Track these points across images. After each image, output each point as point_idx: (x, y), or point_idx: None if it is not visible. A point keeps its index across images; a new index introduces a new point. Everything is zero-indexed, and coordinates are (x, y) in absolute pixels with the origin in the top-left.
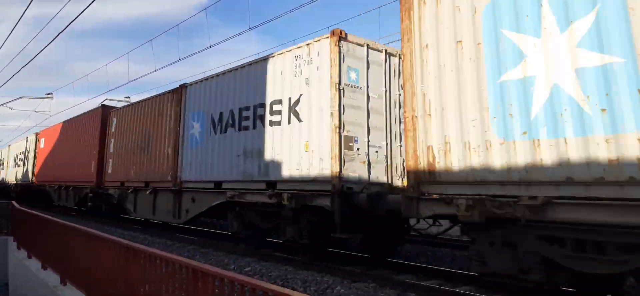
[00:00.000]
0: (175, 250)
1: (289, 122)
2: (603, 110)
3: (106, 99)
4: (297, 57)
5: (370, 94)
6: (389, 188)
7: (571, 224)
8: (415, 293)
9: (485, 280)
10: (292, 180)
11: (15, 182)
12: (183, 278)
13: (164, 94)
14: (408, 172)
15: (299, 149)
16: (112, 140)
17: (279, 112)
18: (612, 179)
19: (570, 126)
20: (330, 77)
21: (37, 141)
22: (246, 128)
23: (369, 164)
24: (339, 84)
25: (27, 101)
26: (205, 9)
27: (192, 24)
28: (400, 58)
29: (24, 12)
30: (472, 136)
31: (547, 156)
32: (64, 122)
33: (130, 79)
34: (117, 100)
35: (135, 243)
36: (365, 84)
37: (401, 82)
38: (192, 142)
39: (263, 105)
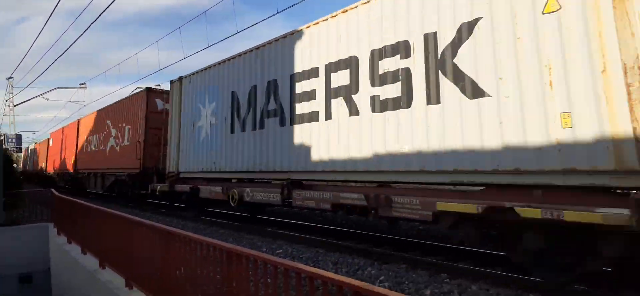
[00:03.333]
0: (209, 233)
1: None
2: None
3: (137, 87)
4: None
5: None
6: None
7: None
8: (448, 274)
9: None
10: None
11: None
12: (217, 260)
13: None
14: None
15: None
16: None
17: None
18: None
19: None
20: None
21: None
22: None
23: None
24: None
25: (62, 92)
26: None
27: (220, 11)
28: None
29: (57, 4)
30: None
31: None
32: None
33: (161, 67)
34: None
35: (170, 227)
36: None
37: None
38: None
39: None
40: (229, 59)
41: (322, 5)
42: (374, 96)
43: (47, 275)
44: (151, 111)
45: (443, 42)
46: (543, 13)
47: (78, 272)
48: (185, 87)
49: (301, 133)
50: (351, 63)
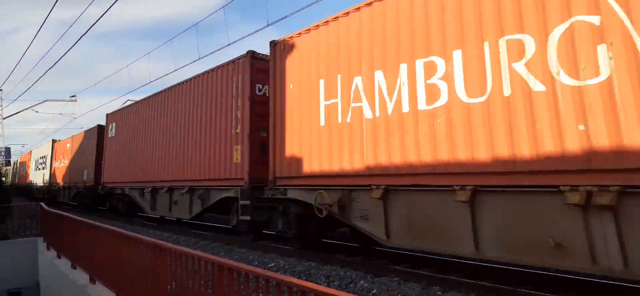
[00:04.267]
0: (200, 247)
1: None
2: None
3: (128, 99)
4: None
5: None
6: None
7: None
8: (440, 287)
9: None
10: None
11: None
12: (209, 273)
13: None
14: None
15: None
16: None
17: None
18: None
19: None
20: None
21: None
22: None
23: None
24: None
25: (52, 104)
26: (224, 6)
27: (211, 22)
28: None
29: (47, 15)
30: None
31: None
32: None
33: (152, 79)
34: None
35: (161, 240)
36: None
37: None
38: None
39: None
40: None
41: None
42: None
43: (36, 290)
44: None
45: None
46: None
47: (68, 287)
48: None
49: None
50: None
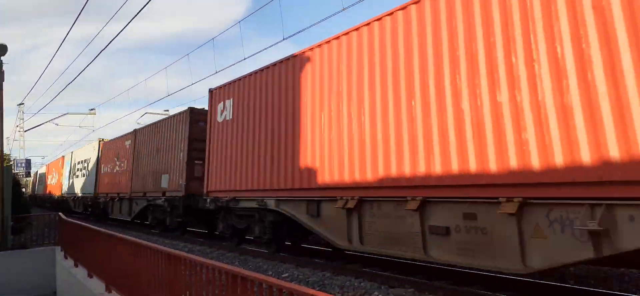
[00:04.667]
0: (215, 256)
1: None
2: None
3: (146, 112)
4: None
5: None
6: None
7: None
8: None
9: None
10: None
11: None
12: (223, 283)
13: None
14: None
15: None
16: None
17: None
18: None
19: None
20: None
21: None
22: None
23: None
24: None
25: (72, 117)
26: (239, 22)
27: (228, 37)
28: None
29: (68, 32)
30: None
31: None
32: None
33: (169, 92)
34: (157, 113)
35: (176, 250)
36: None
37: None
38: None
39: None
40: None
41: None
42: None
43: None
44: None
45: None
46: None
47: (84, 295)
48: None
49: None
50: None
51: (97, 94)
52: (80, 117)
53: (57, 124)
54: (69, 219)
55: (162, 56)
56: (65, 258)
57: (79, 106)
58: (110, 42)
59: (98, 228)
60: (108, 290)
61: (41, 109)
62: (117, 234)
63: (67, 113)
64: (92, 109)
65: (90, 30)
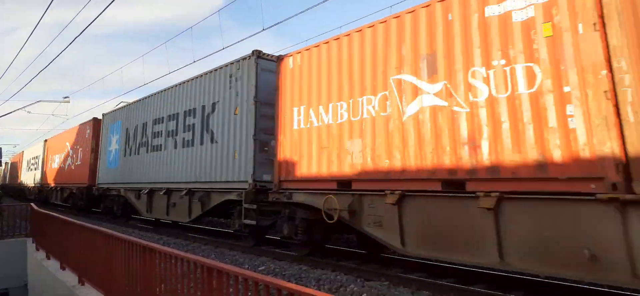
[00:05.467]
0: (191, 249)
1: None
2: None
3: (121, 101)
4: None
5: None
6: None
7: None
8: (430, 292)
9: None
10: None
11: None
12: (198, 276)
13: None
14: None
15: None
16: None
17: None
18: None
19: None
20: None
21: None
22: None
23: None
24: None
25: (45, 105)
26: (219, 11)
27: (206, 26)
28: None
29: (41, 17)
30: None
31: None
32: None
33: (145, 81)
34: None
35: (151, 242)
36: None
37: None
38: None
39: None
40: None
41: (305, 22)
42: None
43: (24, 290)
44: None
45: None
46: None
47: (56, 288)
48: None
49: None
50: None
51: (72, 82)
52: (53, 105)
53: (29, 112)
54: (41, 210)
55: (139, 43)
56: (37, 249)
57: (53, 93)
58: (86, 28)
59: (70, 219)
60: (81, 282)
61: (13, 95)
62: (89, 225)
63: (40, 101)
64: (66, 97)
65: (66, 15)
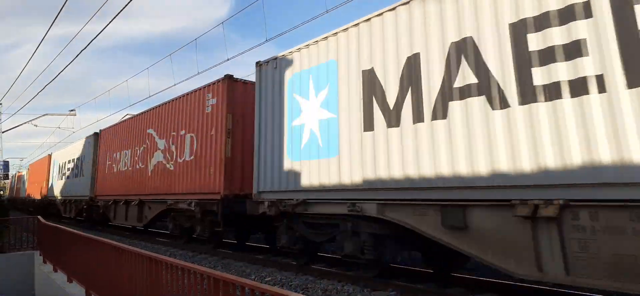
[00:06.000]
0: (197, 261)
1: None
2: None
3: (127, 114)
4: None
5: None
6: None
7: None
8: None
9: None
10: None
11: None
12: (205, 287)
13: None
14: None
15: None
16: None
17: None
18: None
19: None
20: None
21: None
22: None
23: None
24: None
25: (51, 118)
26: (222, 23)
27: (210, 38)
28: None
29: (47, 31)
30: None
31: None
32: None
33: (151, 93)
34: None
35: (157, 254)
36: None
37: None
38: None
39: None
40: None
41: (308, 33)
42: None
43: None
44: None
45: None
46: None
47: None
48: None
49: None
50: None
51: (78, 95)
52: (60, 118)
53: (36, 125)
54: (48, 223)
55: (145, 56)
56: (44, 262)
57: (59, 106)
58: (90, 42)
59: (77, 231)
60: (88, 294)
61: (20, 109)
62: (97, 238)
63: (47, 114)
64: (72, 110)
65: (71, 29)
